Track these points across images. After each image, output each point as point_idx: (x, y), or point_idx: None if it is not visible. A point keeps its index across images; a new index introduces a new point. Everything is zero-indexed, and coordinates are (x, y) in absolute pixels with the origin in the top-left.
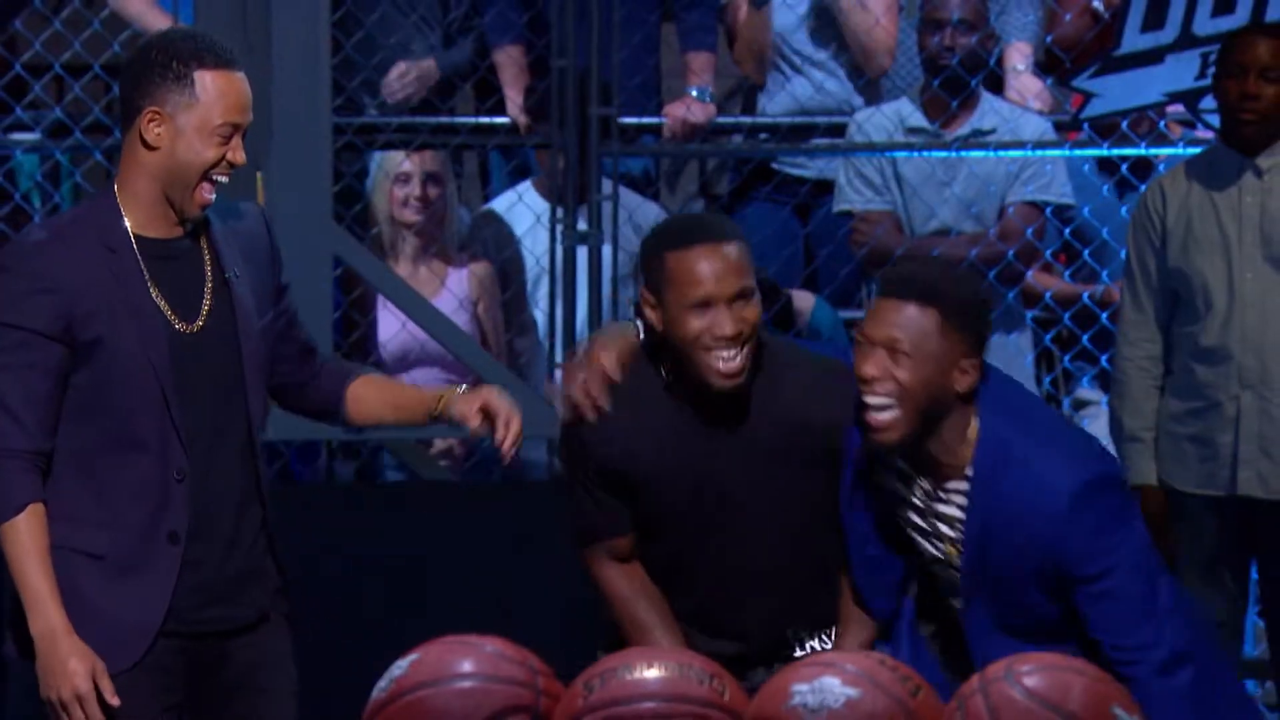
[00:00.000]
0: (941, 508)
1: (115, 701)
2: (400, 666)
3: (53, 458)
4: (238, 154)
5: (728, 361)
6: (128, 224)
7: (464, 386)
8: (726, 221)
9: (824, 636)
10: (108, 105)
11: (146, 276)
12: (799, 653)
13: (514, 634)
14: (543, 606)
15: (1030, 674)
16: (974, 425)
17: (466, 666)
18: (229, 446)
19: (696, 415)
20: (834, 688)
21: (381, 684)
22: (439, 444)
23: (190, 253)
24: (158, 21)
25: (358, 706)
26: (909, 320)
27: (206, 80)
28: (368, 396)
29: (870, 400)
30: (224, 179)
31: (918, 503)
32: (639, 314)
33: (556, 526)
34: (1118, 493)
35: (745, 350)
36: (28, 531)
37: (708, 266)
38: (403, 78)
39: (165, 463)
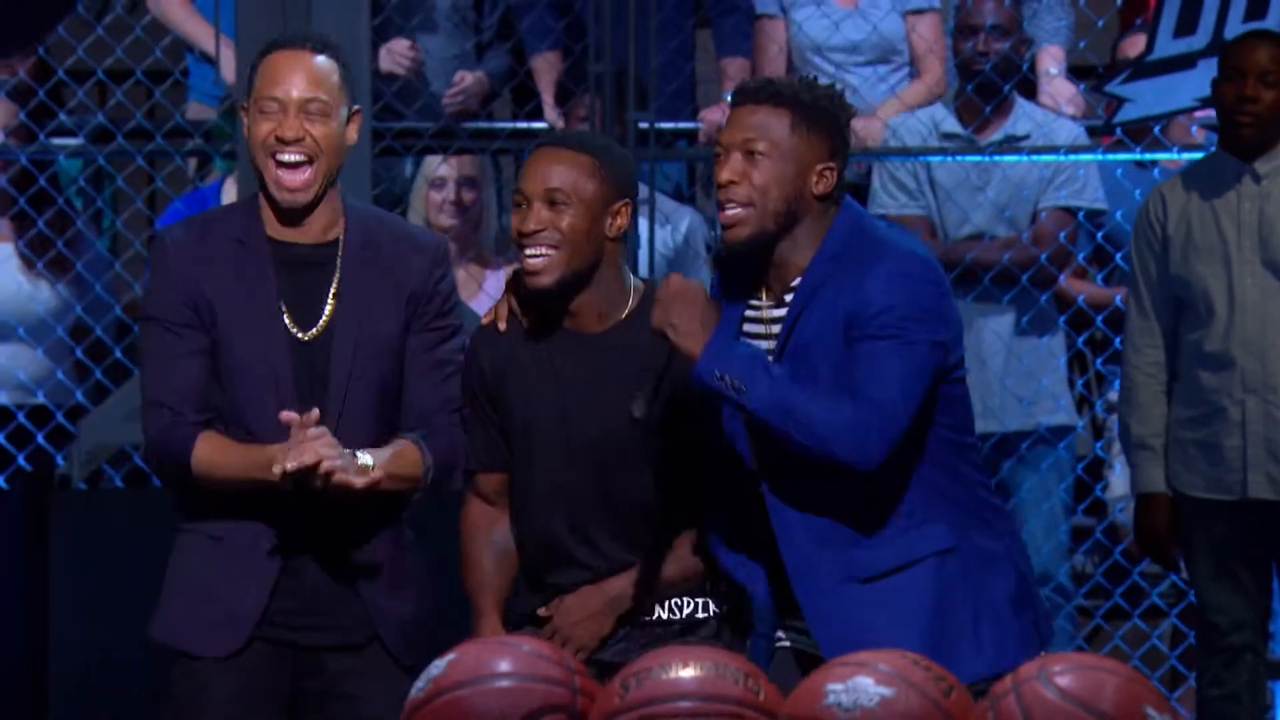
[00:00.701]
0: (779, 312)
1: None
2: (438, 666)
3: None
4: (284, 128)
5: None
6: (265, 225)
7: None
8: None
9: (675, 606)
10: (149, 110)
11: (273, 278)
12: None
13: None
14: None
15: (1063, 673)
16: (829, 222)
17: (504, 666)
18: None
19: (568, 351)
20: (867, 687)
21: (419, 683)
22: None
23: (321, 262)
24: (198, 30)
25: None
26: (761, 122)
27: (265, 63)
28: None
29: (727, 205)
30: (286, 157)
31: (762, 329)
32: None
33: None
34: (935, 292)
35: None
36: (210, 446)
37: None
38: (460, 86)
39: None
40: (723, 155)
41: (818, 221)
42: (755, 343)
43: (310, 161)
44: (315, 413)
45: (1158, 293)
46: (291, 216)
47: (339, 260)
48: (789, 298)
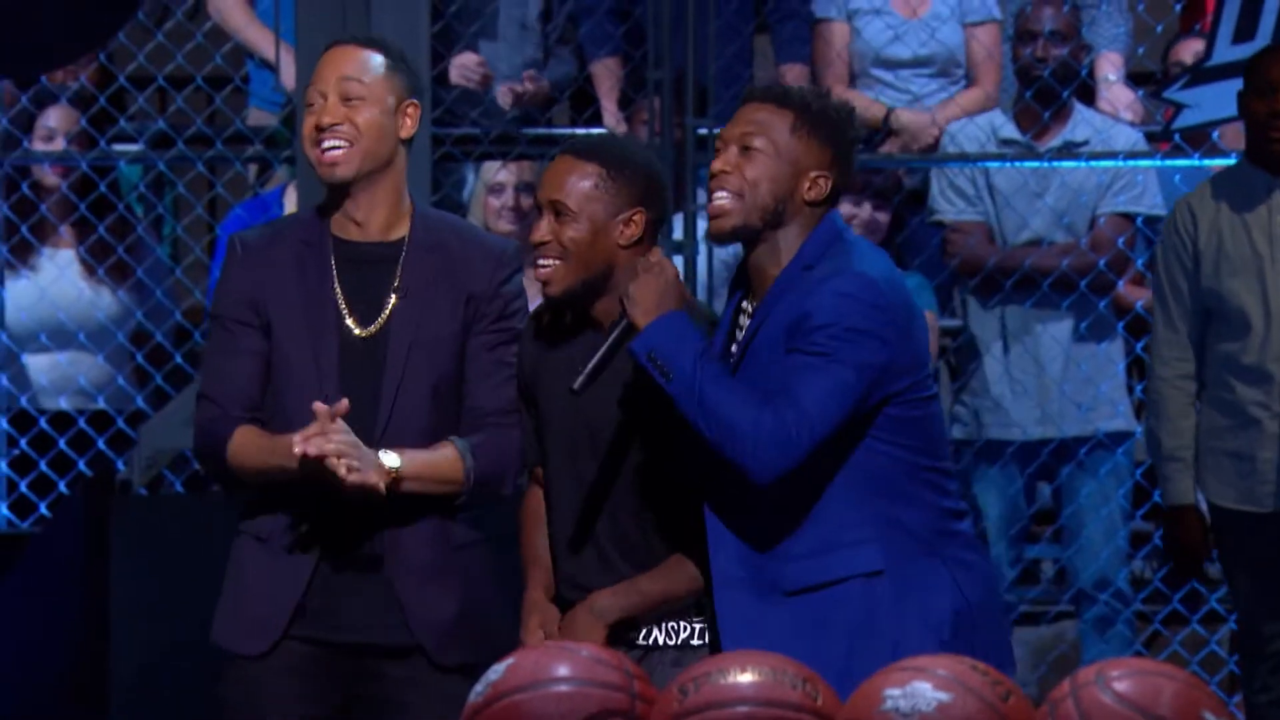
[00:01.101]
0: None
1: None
2: (496, 671)
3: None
4: (321, 115)
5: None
6: (331, 224)
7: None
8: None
9: (671, 630)
10: (209, 117)
11: (335, 275)
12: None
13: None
14: None
15: (1121, 678)
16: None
17: (562, 670)
18: None
19: (583, 347)
20: (925, 692)
21: (478, 688)
22: None
23: (385, 261)
24: (258, 36)
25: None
26: (762, 119)
27: (319, 62)
28: None
29: (716, 194)
30: (330, 143)
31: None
32: None
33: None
34: (879, 316)
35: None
36: (243, 440)
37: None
38: (523, 88)
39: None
40: (721, 148)
41: (802, 230)
42: (734, 346)
43: (351, 144)
44: (344, 404)
45: (1186, 304)
46: (342, 202)
47: (401, 258)
48: (759, 306)
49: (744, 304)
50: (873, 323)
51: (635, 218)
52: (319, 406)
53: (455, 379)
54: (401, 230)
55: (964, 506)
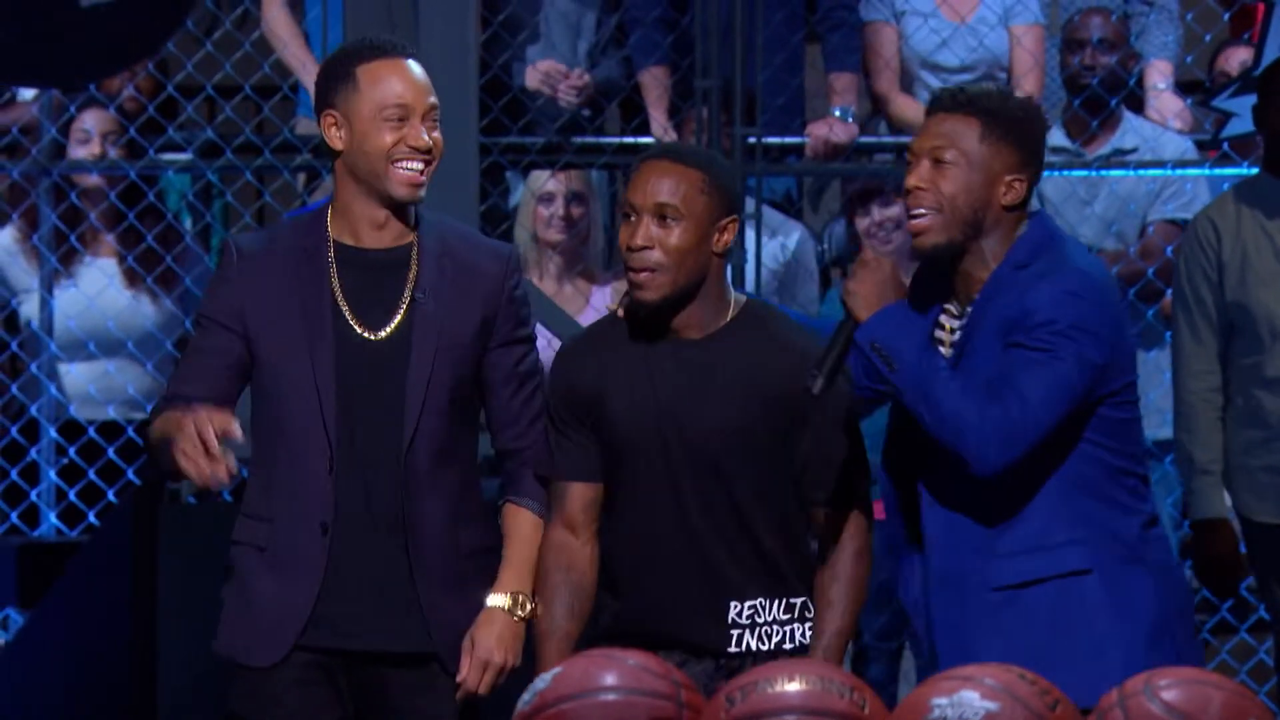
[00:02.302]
0: (959, 324)
1: (237, 432)
2: (544, 679)
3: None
4: (417, 138)
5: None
6: (331, 230)
7: (504, 603)
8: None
9: (763, 605)
10: (258, 126)
11: (335, 280)
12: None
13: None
14: None
15: (1169, 688)
16: (1019, 234)
17: (610, 679)
18: (384, 463)
19: (667, 359)
20: (973, 701)
21: (526, 697)
22: None
23: (393, 266)
24: (299, 54)
25: (498, 710)
26: (951, 130)
27: (366, 72)
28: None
29: (913, 211)
30: (415, 164)
31: (949, 337)
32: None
33: None
34: (1100, 313)
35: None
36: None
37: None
38: (566, 79)
39: (317, 456)
40: (913, 162)
41: (1006, 233)
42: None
43: (430, 164)
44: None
45: (1211, 316)
46: (379, 220)
47: (415, 262)
48: (970, 309)
49: (945, 309)
50: (1094, 321)
51: (730, 225)
52: (476, 642)
53: (471, 386)
54: (409, 235)
55: (1157, 512)
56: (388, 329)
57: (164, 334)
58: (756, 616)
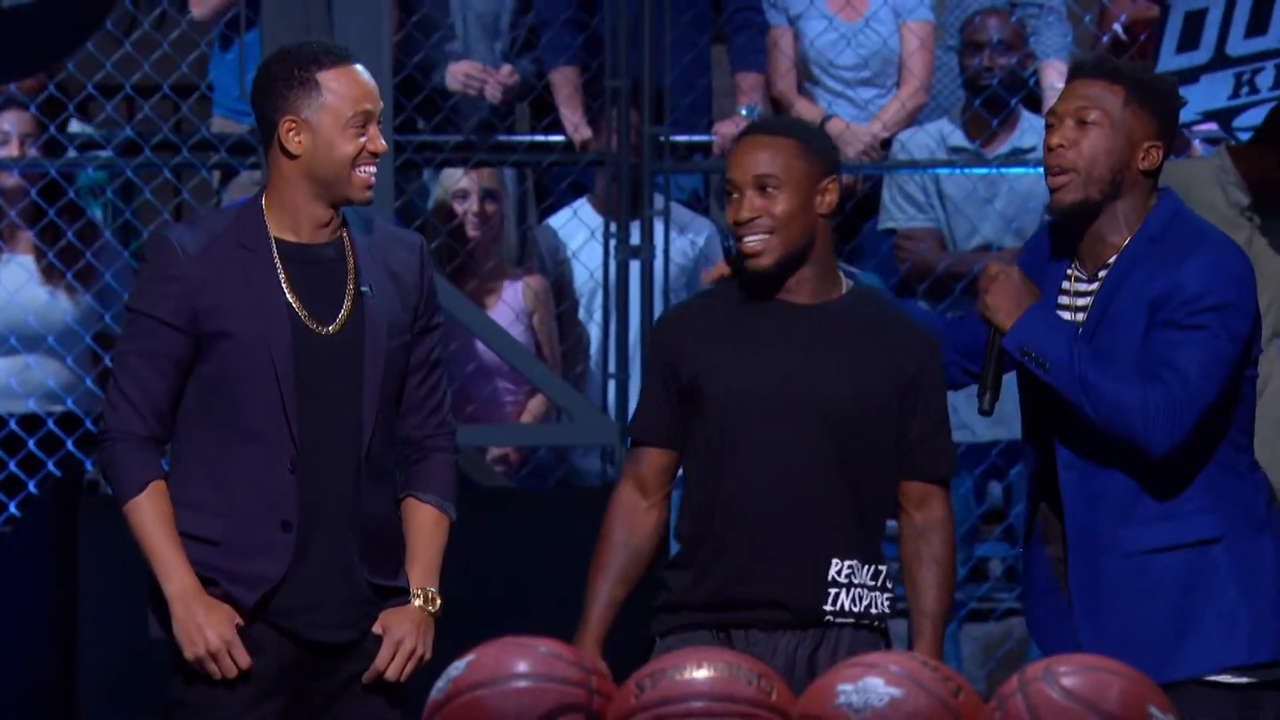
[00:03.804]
0: (1088, 286)
1: (245, 659)
2: (457, 667)
3: (171, 444)
4: (376, 142)
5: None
6: (270, 227)
7: (418, 601)
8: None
9: (874, 570)
10: (176, 124)
11: (282, 276)
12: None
13: (568, 636)
14: None
15: (1068, 674)
16: (1151, 204)
17: (522, 666)
18: (342, 455)
19: (781, 320)
20: (877, 687)
21: (440, 684)
22: (494, 451)
23: (333, 261)
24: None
25: (417, 706)
26: (1096, 94)
27: (329, 79)
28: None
29: (1054, 169)
30: (372, 168)
31: (1069, 301)
32: None
33: None
34: (1246, 287)
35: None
36: (152, 507)
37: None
38: (494, 77)
39: (278, 454)
40: (1055, 124)
41: (1140, 201)
42: (1062, 314)
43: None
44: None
45: None
46: (325, 219)
47: (352, 255)
48: (1103, 274)
49: (1070, 272)
50: (1241, 296)
51: (830, 185)
52: (390, 628)
53: (402, 376)
54: (340, 230)
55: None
56: (335, 323)
57: (82, 328)
58: (853, 577)
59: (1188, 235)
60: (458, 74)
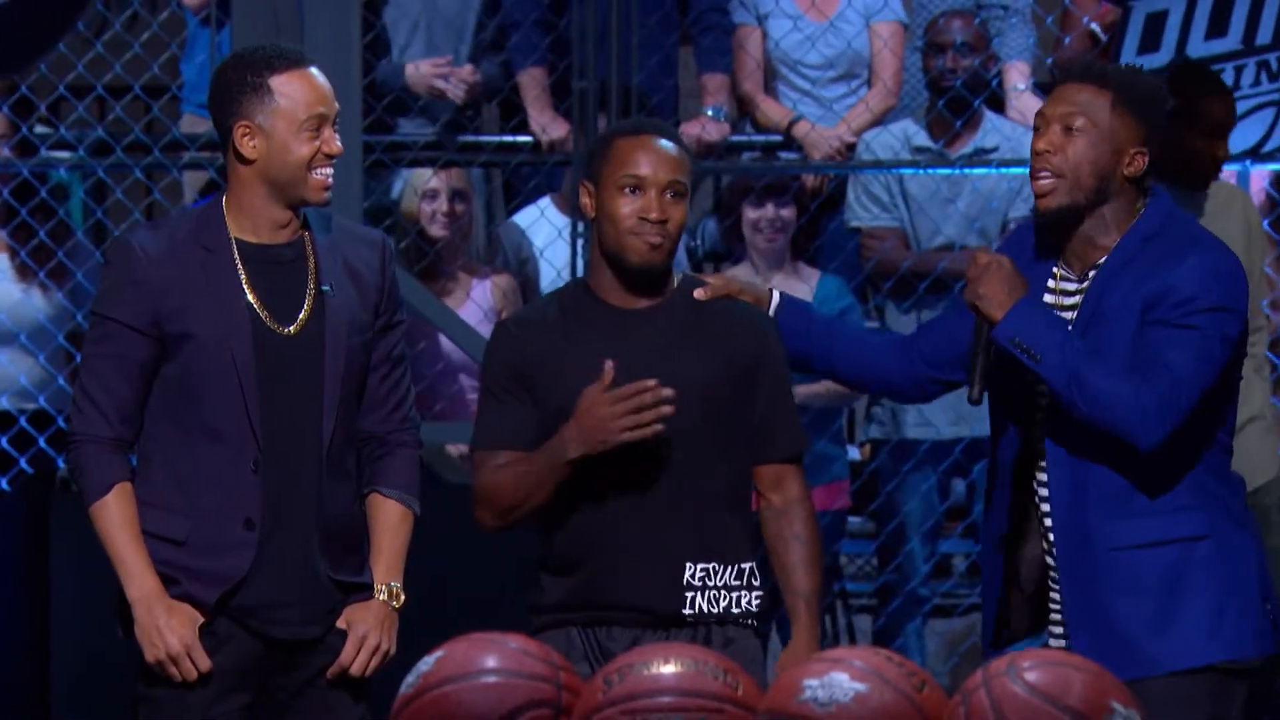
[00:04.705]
0: (1076, 286)
1: (205, 663)
2: (426, 663)
3: (137, 444)
4: (331, 144)
5: (654, 239)
6: (230, 229)
7: (382, 597)
8: (670, 128)
9: (715, 569)
10: (147, 125)
11: (242, 277)
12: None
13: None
14: None
15: (1032, 669)
16: (1139, 209)
17: (491, 662)
18: (304, 453)
19: (615, 320)
20: (843, 683)
21: (409, 679)
22: (461, 448)
23: (294, 261)
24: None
25: (386, 701)
26: (1084, 100)
27: (282, 83)
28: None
29: (1040, 174)
30: (328, 170)
31: (1054, 300)
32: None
33: None
34: (1238, 290)
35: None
36: (117, 509)
37: (645, 154)
38: (440, 72)
39: (241, 453)
40: (1042, 127)
41: (1126, 203)
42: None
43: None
44: None
45: None
46: (284, 220)
47: (312, 255)
48: (1092, 273)
49: (1057, 271)
50: (1232, 298)
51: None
52: (355, 623)
53: (364, 373)
54: (300, 230)
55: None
56: (296, 323)
57: (55, 326)
58: (708, 580)
59: (1183, 237)
60: (421, 71)
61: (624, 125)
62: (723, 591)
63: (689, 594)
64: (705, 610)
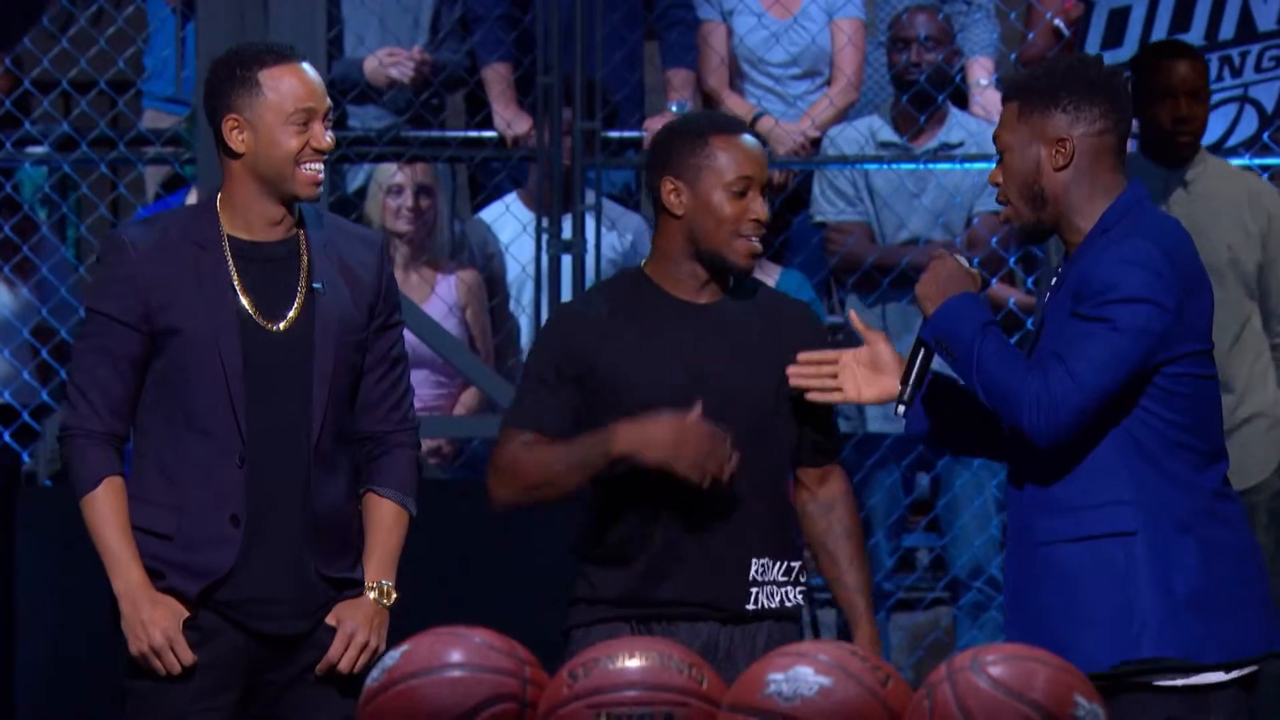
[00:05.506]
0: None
1: (188, 657)
2: (392, 657)
3: (127, 438)
4: (320, 139)
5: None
6: (223, 225)
7: (372, 594)
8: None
9: (786, 566)
10: (112, 120)
11: (233, 273)
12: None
13: (503, 624)
14: (531, 598)
15: (995, 663)
16: (1110, 197)
17: (456, 656)
18: (291, 450)
19: (680, 314)
20: (807, 677)
21: (374, 674)
22: (428, 443)
23: (286, 258)
24: None
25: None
26: (1003, 120)
27: (270, 77)
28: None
29: (1000, 203)
30: (317, 165)
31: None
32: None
33: (545, 521)
34: (1161, 282)
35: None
36: (106, 502)
37: (748, 154)
38: (393, 58)
39: (227, 449)
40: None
41: (1086, 196)
42: None
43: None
44: None
45: None
46: (276, 217)
47: (305, 253)
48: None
49: (1059, 269)
50: (1151, 290)
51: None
52: (344, 620)
53: (360, 370)
54: (293, 226)
55: (1231, 491)
56: (286, 320)
57: (20, 322)
58: (765, 575)
59: (1130, 228)
60: (376, 58)
61: (710, 121)
62: (776, 587)
63: (753, 589)
64: (765, 606)
